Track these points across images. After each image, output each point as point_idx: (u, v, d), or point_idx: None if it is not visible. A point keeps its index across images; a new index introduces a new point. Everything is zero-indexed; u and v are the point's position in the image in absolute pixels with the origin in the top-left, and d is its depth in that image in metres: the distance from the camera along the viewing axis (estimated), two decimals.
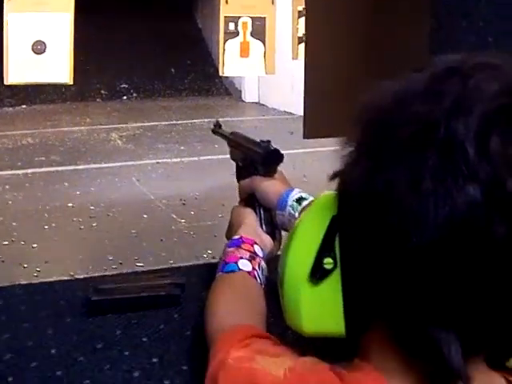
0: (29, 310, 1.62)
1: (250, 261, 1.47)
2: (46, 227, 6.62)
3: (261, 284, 1.43)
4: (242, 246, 1.51)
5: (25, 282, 1.81)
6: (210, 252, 5.66)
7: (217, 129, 1.91)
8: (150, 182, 8.14)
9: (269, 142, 1.67)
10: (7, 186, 8.07)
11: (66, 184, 8.14)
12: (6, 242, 6.19)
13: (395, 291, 0.84)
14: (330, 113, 2.91)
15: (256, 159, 1.68)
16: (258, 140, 1.70)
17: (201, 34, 15.97)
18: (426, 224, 0.78)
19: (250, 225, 1.60)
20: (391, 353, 0.89)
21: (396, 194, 0.80)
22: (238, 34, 7.34)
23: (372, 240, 0.84)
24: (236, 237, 1.54)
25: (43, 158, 9.44)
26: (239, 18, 7.32)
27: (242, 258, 1.47)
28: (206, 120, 11.48)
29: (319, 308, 0.94)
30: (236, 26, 7.31)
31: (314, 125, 3.05)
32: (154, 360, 1.41)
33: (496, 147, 0.78)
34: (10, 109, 13.62)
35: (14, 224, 6.70)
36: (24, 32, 8.14)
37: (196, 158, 9.22)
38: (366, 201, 0.84)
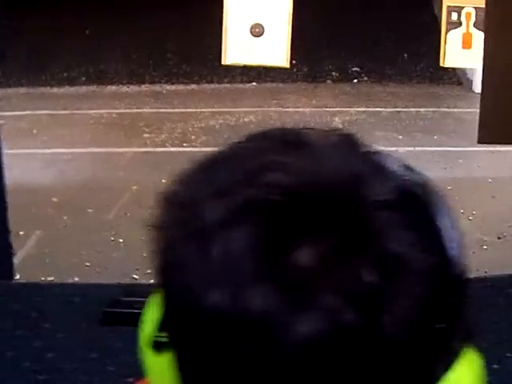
0: None
1: None
2: None
3: None
4: None
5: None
6: None
7: None
8: None
9: None
10: None
11: None
12: None
13: None
14: (507, 119, 2.72)
15: None
16: None
17: (436, 23, 15.60)
18: None
19: None
20: None
21: None
22: (460, 25, 7.11)
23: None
24: None
25: None
26: (463, 8, 7.08)
27: None
28: (431, 109, 11.23)
29: (161, 377, 0.87)
30: (459, 16, 7.08)
31: (490, 130, 2.87)
32: None
33: None
34: (241, 85, 13.94)
35: None
36: (243, 14, 8.33)
37: (411, 149, 9.01)
38: None
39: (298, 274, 0.62)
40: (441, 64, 7.62)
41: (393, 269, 0.63)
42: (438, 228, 0.67)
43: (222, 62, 7.75)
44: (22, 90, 13.76)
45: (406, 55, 15.05)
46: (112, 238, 5.83)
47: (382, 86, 13.91)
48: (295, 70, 14.47)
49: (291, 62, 14.99)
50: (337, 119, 10.76)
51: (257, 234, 0.63)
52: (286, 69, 14.46)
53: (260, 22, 7.58)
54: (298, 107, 11.70)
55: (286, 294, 0.62)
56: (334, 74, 14.67)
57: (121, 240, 5.83)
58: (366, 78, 14.57)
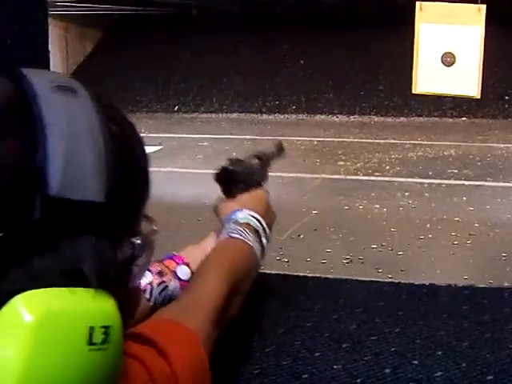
0: None
1: (154, 274, 1.48)
2: (422, 237, 6.70)
3: (148, 300, 1.45)
4: (165, 262, 1.53)
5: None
6: None
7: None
8: None
9: (231, 160, 1.67)
10: (406, 193, 8.27)
11: (464, 198, 8.11)
12: (375, 246, 6.40)
13: None
14: None
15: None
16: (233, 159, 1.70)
17: None
18: None
19: (201, 245, 1.61)
20: None
21: None
22: None
23: None
24: (172, 252, 1.57)
25: (456, 171, 9.49)
26: None
27: (149, 270, 1.48)
28: None
29: None
30: None
31: None
32: None
33: None
34: (450, 119, 13.87)
35: (392, 230, 6.89)
36: (434, 43, 8.33)
37: None
38: None
39: None
40: None
41: None
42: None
43: (413, 91, 7.77)
44: (233, 115, 14.35)
45: None
46: (278, 258, 6.01)
47: None
48: (507, 106, 14.20)
49: (504, 98, 14.69)
50: None
51: None
52: (497, 105, 14.22)
53: (451, 51, 7.55)
54: (501, 143, 11.46)
55: None
56: None
57: (285, 260, 6.01)
58: None
